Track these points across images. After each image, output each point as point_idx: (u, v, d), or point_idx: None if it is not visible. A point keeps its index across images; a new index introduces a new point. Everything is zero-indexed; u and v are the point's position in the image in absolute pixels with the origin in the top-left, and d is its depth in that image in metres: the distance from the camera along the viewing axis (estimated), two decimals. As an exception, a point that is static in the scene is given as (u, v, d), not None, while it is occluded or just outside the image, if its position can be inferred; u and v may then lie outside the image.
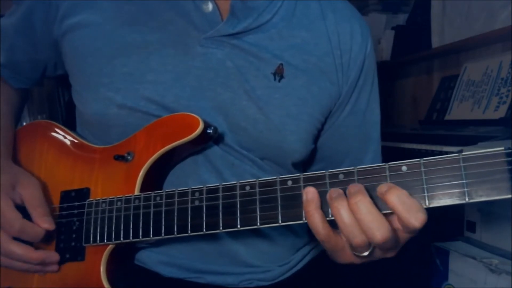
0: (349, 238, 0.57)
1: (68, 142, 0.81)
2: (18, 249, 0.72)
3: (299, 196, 0.60)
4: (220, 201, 0.64)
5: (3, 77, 0.87)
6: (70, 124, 0.85)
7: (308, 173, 0.60)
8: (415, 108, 2.32)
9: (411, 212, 0.54)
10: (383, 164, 0.57)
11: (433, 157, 0.55)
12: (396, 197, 0.54)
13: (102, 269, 0.71)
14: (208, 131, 0.71)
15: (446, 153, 1.41)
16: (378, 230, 0.54)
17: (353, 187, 0.57)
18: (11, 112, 0.88)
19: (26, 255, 0.72)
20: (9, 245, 0.71)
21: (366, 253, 0.58)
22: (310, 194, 0.58)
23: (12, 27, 0.84)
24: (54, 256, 0.74)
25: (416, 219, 0.54)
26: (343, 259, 0.63)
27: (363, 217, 0.55)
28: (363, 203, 0.55)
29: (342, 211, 0.56)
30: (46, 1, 0.80)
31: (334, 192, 0.57)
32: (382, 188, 0.56)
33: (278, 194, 0.61)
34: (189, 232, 0.65)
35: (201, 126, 0.70)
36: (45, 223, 0.73)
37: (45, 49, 0.84)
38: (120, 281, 0.73)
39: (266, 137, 0.75)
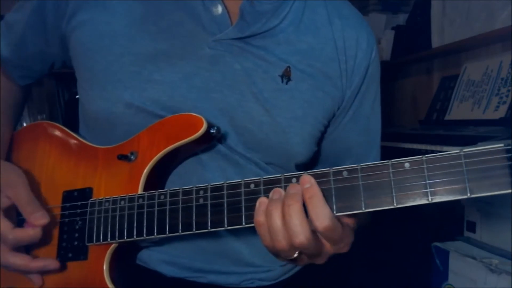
0: (273, 240, 0.60)
1: (70, 143, 0.80)
2: (17, 260, 0.71)
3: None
4: (225, 199, 0.64)
5: (12, 77, 0.87)
6: (70, 124, 0.84)
7: (312, 171, 0.61)
8: (415, 108, 2.32)
9: (319, 216, 0.58)
10: (386, 161, 0.58)
11: (435, 154, 0.56)
12: (309, 196, 0.59)
13: (105, 268, 0.70)
14: (211, 131, 0.71)
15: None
16: (299, 235, 0.58)
17: (292, 188, 0.59)
18: (10, 110, 0.87)
19: (26, 265, 0.71)
20: (8, 258, 0.70)
21: (294, 256, 0.61)
22: (262, 205, 0.61)
23: (22, 21, 0.83)
24: (53, 264, 0.72)
25: (321, 223, 0.58)
26: (280, 260, 0.67)
27: (291, 220, 0.58)
28: (294, 208, 0.58)
29: (274, 215, 0.59)
30: None
31: (275, 194, 0.60)
32: (304, 180, 0.59)
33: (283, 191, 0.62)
34: (194, 230, 0.65)
35: (204, 126, 0.70)
36: (38, 220, 0.71)
37: (54, 43, 0.83)
38: (122, 281, 0.73)
39: (271, 139, 0.76)
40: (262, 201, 0.61)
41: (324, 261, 0.65)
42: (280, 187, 0.62)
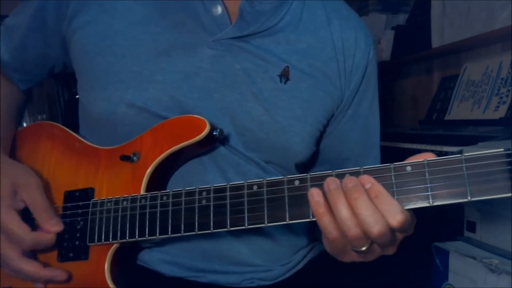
0: (345, 231, 0.57)
1: (72, 143, 0.81)
2: (29, 267, 0.70)
3: (306, 196, 0.60)
4: (228, 201, 0.64)
5: (12, 80, 0.88)
6: (70, 124, 0.84)
7: (315, 173, 0.61)
8: (415, 108, 2.32)
9: (390, 212, 0.56)
10: (388, 164, 0.58)
11: (436, 158, 0.56)
12: (376, 196, 0.56)
13: (107, 268, 0.70)
14: (214, 133, 0.71)
15: (446, 153, 1.41)
16: (375, 225, 0.56)
17: (350, 181, 0.57)
18: (12, 109, 0.88)
19: (36, 273, 0.70)
20: (20, 263, 0.70)
21: (364, 248, 0.59)
22: (316, 196, 0.58)
23: (24, 24, 0.84)
24: (61, 276, 0.72)
25: (394, 219, 0.56)
26: (345, 258, 0.65)
27: (361, 212, 0.56)
28: (362, 200, 0.56)
29: (339, 206, 0.57)
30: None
31: (332, 184, 0.58)
32: (364, 181, 0.57)
33: (286, 193, 0.62)
34: (197, 230, 0.65)
35: (207, 128, 0.70)
36: (54, 227, 0.72)
37: (55, 45, 0.83)
38: (123, 281, 0.74)
39: (271, 138, 0.76)
40: (317, 193, 0.57)
41: (395, 251, 0.63)
42: (283, 188, 0.62)
